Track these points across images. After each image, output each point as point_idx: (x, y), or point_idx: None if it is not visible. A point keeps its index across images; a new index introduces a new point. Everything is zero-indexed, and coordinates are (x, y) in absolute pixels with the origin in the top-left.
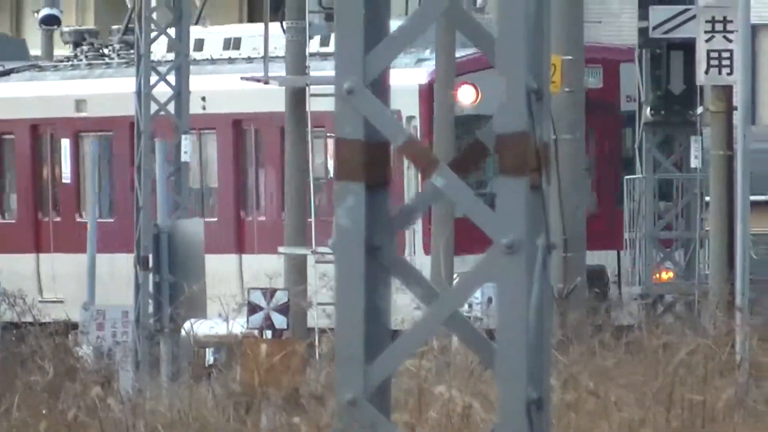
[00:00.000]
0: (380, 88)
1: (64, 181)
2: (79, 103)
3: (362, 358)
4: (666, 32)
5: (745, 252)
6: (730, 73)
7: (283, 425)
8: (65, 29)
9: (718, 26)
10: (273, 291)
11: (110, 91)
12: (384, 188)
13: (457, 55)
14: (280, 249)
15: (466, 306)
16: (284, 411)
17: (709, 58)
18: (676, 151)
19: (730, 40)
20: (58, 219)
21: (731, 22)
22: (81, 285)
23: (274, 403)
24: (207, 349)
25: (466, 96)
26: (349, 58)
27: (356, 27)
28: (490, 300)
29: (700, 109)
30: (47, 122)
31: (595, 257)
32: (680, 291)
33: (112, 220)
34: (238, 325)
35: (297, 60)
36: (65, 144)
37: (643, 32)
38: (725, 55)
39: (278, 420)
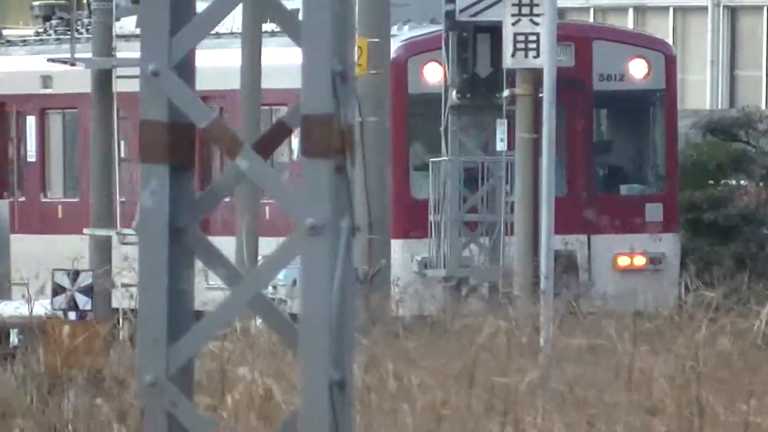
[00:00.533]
0: (186, 70)
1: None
2: (45, 80)
3: (165, 340)
4: (473, 15)
5: (550, 235)
6: (536, 57)
7: (85, 407)
8: (35, 3)
9: (525, 9)
10: (77, 272)
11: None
12: (188, 170)
13: (424, 31)
14: (85, 230)
15: (270, 288)
16: (87, 393)
17: (515, 41)
18: (482, 134)
19: (536, 23)
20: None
21: (537, 5)
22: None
23: (77, 384)
24: (12, 331)
25: (432, 74)
26: (155, 41)
27: (162, 9)
28: (294, 282)
29: (506, 92)
30: (13, 99)
31: (563, 242)
32: (484, 273)
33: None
34: (42, 307)
35: (104, 41)
36: (30, 121)
37: (449, 15)
38: (532, 38)
39: (81, 402)
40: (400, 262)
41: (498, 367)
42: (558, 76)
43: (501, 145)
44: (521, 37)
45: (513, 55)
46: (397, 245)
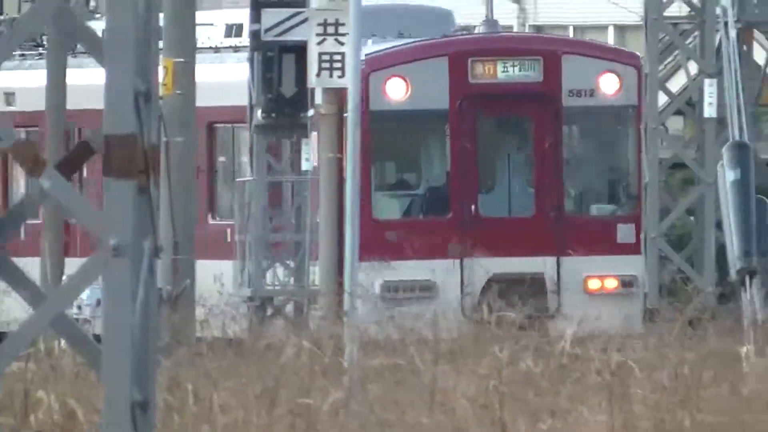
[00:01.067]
0: None
1: None
2: (8, 96)
3: None
4: (278, 35)
5: (354, 255)
6: (341, 76)
7: None
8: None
9: (330, 29)
10: None
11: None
12: None
13: (388, 45)
14: None
15: (75, 308)
16: None
17: (320, 60)
18: (287, 153)
19: (341, 43)
20: None
21: (343, 25)
22: None
23: None
24: None
25: (395, 90)
26: None
27: None
28: (98, 302)
29: (311, 112)
30: None
31: (531, 264)
32: (289, 294)
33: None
34: None
35: None
36: None
37: (255, 35)
38: (336, 57)
39: None
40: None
41: (301, 388)
42: (526, 91)
43: (307, 165)
44: (326, 57)
45: (318, 75)
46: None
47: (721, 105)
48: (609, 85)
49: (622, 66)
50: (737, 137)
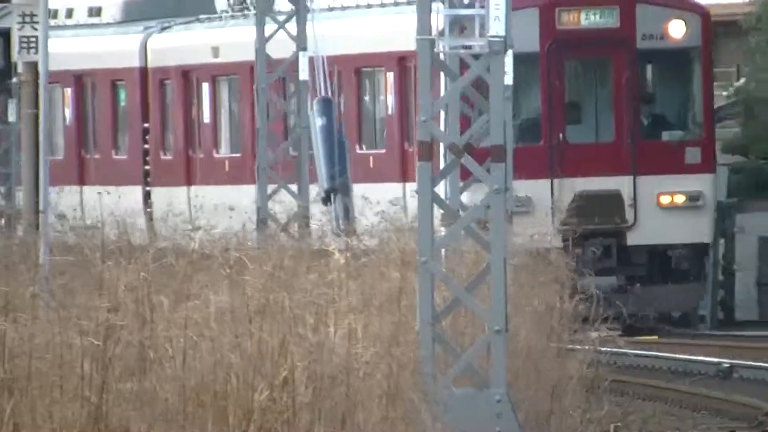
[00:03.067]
0: None
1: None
2: (215, 50)
3: None
4: None
5: (46, 182)
6: (36, 53)
7: None
8: None
9: (27, 18)
10: None
11: (238, 39)
12: None
13: None
14: None
15: None
16: None
17: (20, 41)
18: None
19: (35, 29)
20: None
21: (36, 15)
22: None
23: None
24: None
25: None
26: None
27: None
28: None
29: (15, 80)
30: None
31: (611, 182)
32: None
33: (239, 155)
34: None
35: None
36: (205, 87)
37: None
38: (33, 39)
39: None
40: None
41: (8, 282)
42: (605, 36)
43: (13, 118)
44: (24, 39)
45: (19, 52)
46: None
47: None
48: (676, 29)
49: (687, 13)
50: (323, 94)
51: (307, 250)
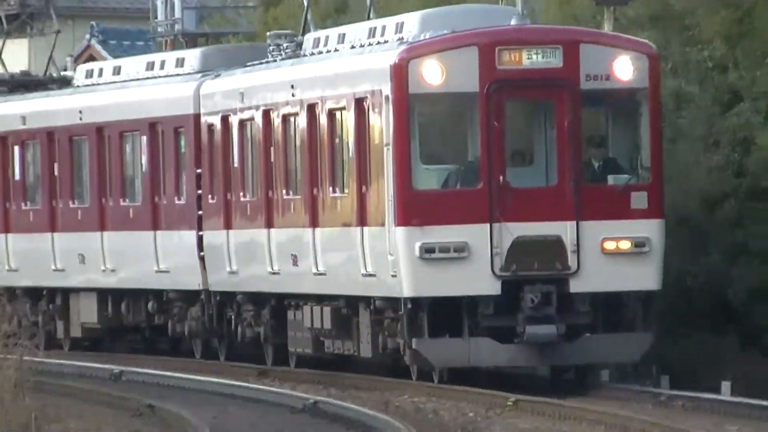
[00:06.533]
0: None
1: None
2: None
3: None
4: None
5: None
6: None
7: None
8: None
9: None
10: None
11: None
12: None
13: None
14: None
15: None
16: None
17: None
18: None
19: None
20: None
21: None
22: None
23: None
24: None
25: (432, 75)
26: None
27: None
28: None
29: None
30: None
31: (552, 228)
32: None
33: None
34: None
35: None
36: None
37: None
38: None
39: None
40: (405, 250)
41: None
42: (547, 76)
43: None
44: None
45: None
46: (400, 232)
47: None
48: (622, 69)
49: (634, 53)
50: None
51: None
